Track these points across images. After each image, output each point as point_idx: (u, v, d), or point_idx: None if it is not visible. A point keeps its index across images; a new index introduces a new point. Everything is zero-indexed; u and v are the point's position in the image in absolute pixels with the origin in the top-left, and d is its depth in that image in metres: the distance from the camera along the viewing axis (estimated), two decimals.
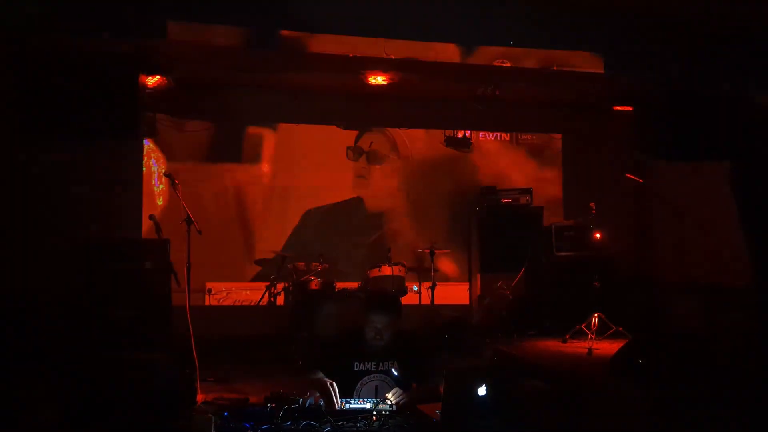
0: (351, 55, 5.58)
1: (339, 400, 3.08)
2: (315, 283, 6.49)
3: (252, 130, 7.74)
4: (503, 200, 7.47)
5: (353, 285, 6.97)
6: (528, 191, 7.51)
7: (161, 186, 7.37)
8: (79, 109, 4.80)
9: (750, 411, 3.51)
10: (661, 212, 7.26)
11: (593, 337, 5.94)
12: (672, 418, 3.59)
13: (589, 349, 5.67)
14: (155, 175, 7.36)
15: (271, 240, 7.60)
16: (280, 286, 6.62)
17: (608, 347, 5.61)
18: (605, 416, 3.81)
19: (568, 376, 4.96)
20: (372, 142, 8.02)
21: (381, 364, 3.39)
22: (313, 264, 6.70)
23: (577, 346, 5.96)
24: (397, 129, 8.04)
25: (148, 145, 7.31)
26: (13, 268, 5.42)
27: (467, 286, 7.74)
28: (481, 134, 8.19)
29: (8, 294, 5.10)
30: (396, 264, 6.60)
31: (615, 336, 5.98)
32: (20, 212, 5.71)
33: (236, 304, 7.39)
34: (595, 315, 6.10)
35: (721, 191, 6.15)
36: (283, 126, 7.81)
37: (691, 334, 5.16)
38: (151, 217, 5.41)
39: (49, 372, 4.11)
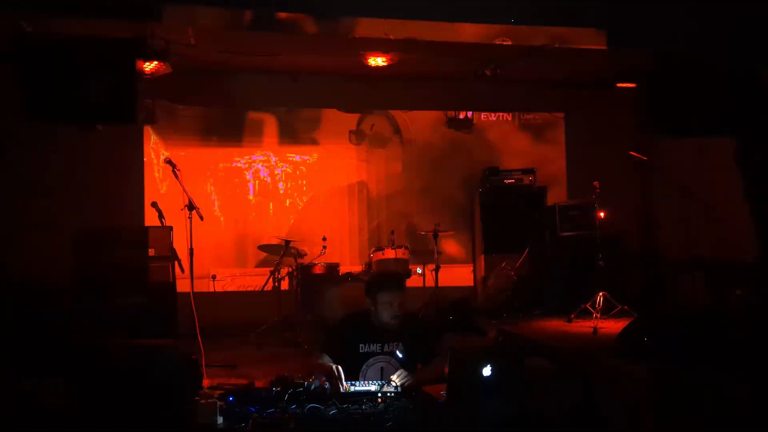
0: (350, 36, 5.51)
1: (344, 382, 3.08)
2: (319, 267, 6.49)
3: (252, 114, 7.69)
4: (506, 181, 7.44)
5: (357, 269, 6.97)
6: (531, 171, 7.47)
7: (162, 173, 7.35)
8: (77, 96, 4.76)
9: (757, 387, 3.50)
10: (665, 189, 7.22)
11: (598, 316, 5.93)
12: (678, 395, 3.58)
13: (595, 328, 5.67)
14: (156, 162, 7.34)
15: (275, 225, 7.60)
16: (284, 271, 6.62)
17: (613, 326, 5.60)
18: (611, 395, 3.80)
19: (574, 355, 4.96)
20: (374, 125, 7.96)
21: (386, 346, 3.38)
22: (317, 248, 6.69)
23: (582, 326, 5.96)
24: (399, 111, 7.98)
25: (147, 131, 7.28)
26: (16, 257, 5.43)
27: (471, 268, 7.73)
28: (483, 115, 8.13)
29: (12, 282, 5.12)
30: (400, 247, 6.59)
31: (620, 314, 5.98)
32: (21, 201, 5.71)
33: (241, 289, 7.41)
34: (600, 294, 6.08)
35: (727, 168, 6.09)
36: (284, 110, 7.76)
37: (697, 311, 5.13)
38: (153, 204, 5.40)
39: (54, 360, 4.12)
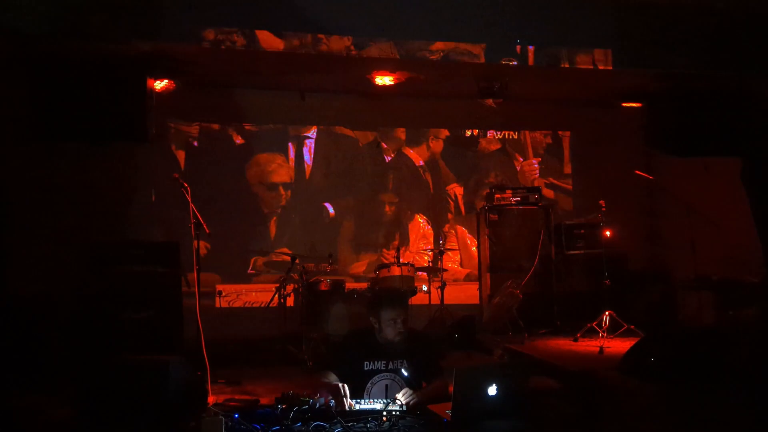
0: (356, 54, 5.58)
1: (349, 400, 3.08)
2: (324, 283, 6.49)
3: (261, 130, 7.77)
4: (512, 199, 7.44)
5: (363, 285, 6.97)
6: (537, 189, 7.49)
7: (169, 188, 7.39)
8: (89, 114, 4.84)
9: (764, 407, 3.48)
10: (671, 208, 7.21)
11: (604, 335, 5.91)
12: (684, 415, 3.56)
13: (601, 348, 5.64)
14: (164, 177, 7.38)
15: (281, 241, 7.62)
16: (290, 287, 6.62)
17: (620, 345, 5.57)
18: (617, 415, 3.78)
19: (580, 374, 4.93)
20: (381, 143, 8.03)
21: (391, 363, 3.38)
22: (323, 265, 6.70)
23: (588, 345, 5.93)
24: (405, 129, 8.04)
25: (157, 147, 7.34)
26: (25, 271, 5.46)
27: (477, 286, 7.72)
28: (489, 133, 8.18)
29: (20, 296, 5.14)
30: (405, 264, 6.59)
31: (626, 334, 5.95)
32: (32, 215, 5.76)
33: (246, 305, 7.41)
34: (606, 313, 6.06)
35: (733, 187, 6.10)
36: (294, 127, 7.83)
37: (704, 331, 5.11)
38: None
39: (61, 374, 4.14)
